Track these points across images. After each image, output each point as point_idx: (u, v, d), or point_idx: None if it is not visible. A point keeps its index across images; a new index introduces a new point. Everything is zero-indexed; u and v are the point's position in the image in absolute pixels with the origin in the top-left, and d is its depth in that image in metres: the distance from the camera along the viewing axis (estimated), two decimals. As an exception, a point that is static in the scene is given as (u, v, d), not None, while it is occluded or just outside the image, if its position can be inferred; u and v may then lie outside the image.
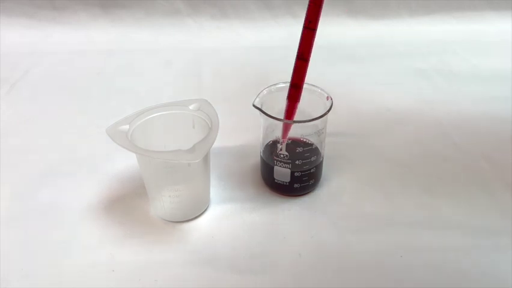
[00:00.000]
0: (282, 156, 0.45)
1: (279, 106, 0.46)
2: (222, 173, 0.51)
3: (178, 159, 0.39)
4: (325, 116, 0.44)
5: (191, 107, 0.45)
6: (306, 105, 0.48)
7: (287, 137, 0.46)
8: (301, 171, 0.46)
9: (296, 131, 0.46)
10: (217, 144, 0.41)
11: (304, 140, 0.47)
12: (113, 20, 0.85)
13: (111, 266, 0.41)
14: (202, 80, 0.72)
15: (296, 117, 0.45)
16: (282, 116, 0.45)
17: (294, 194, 0.48)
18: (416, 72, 0.75)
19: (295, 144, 0.46)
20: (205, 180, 0.46)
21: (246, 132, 0.56)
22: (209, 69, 0.75)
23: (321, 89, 0.47)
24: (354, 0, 0.86)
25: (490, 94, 0.67)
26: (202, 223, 0.45)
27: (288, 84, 0.48)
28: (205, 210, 0.47)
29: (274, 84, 0.47)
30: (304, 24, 0.42)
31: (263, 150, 0.49)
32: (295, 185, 0.47)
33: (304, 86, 0.47)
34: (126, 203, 0.48)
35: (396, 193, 0.49)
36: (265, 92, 0.47)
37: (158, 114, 0.45)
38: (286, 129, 0.45)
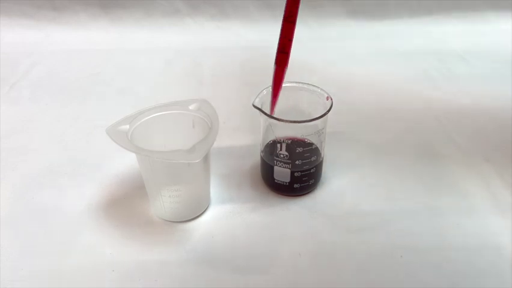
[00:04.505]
0: (282, 156, 0.46)
1: (279, 106, 0.46)
2: (222, 173, 0.51)
3: (178, 159, 0.39)
4: (325, 116, 0.44)
5: (191, 107, 0.45)
6: (306, 105, 0.48)
7: (276, 102, 0.44)
8: (301, 171, 0.46)
9: (296, 131, 0.46)
10: (217, 144, 0.41)
11: (305, 140, 0.47)
12: (113, 20, 0.85)
13: (111, 266, 0.41)
14: (202, 80, 0.72)
15: (296, 117, 0.45)
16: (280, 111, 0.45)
17: (294, 194, 0.48)
18: (416, 72, 0.75)
19: (295, 144, 0.46)
20: (205, 180, 0.46)
21: (246, 132, 0.56)
22: (209, 69, 0.75)
23: (321, 89, 0.47)
24: (354, 0, 0.86)
25: (490, 94, 0.67)
26: (202, 223, 0.45)
27: (287, 84, 0.48)
28: (205, 210, 0.47)
29: (274, 84, 0.48)
30: None
31: (263, 150, 0.49)
32: (295, 185, 0.47)
33: (304, 86, 0.48)
34: (126, 203, 0.48)
35: (397, 193, 0.49)
36: (265, 92, 0.47)
37: (158, 114, 0.45)
38: (277, 81, 0.44)
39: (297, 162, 0.46)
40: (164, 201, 0.44)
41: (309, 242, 0.44)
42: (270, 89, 0.47)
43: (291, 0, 0.41)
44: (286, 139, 0.45)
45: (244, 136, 0.57)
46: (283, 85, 0.47)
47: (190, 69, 0.75)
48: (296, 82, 0.48)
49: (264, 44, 0.85)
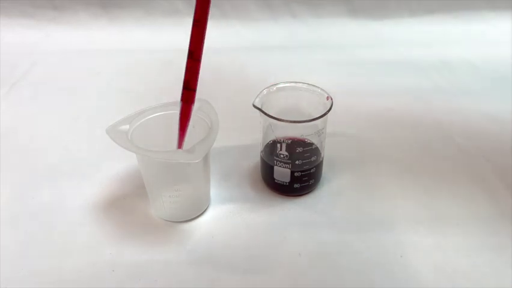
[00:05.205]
0: (282, 156, 0.46)
1: (279, 106, 0.46)
2: (222, 173, 0.51)
3: (178, 159, 0.39)
4: (325, 116, 0.44)
5: (191, 107, 0.45)
6: (306, 105, 0.48)
7: (185, 134, 0.42)
8: (301, 171, 0.46)
9: (296, 131, 0.46)
10: (217, 144, 0.41)
11: (305, 140, 0.47)
12: (113, 20, 0.85)
13: (111, 266, 0.41)
14: (202, 80, 0.72)
15: (296, 117, 0.45)
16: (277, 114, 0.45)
17: (294, 194, 0.48)
18: (416, 72, 0.75)
19: (295, 144, 0.46)
20: (205, 180, 0.46)
21: (246, 132, 0.56)
22: (209, 69, 0.75)
23: (321, 89, 0.47)
24: (354, 0, 0.86)
25: (490, 94, 0.67)
26: (202, 223, 0.45)
27: (287, 84, 0.48)
28: (205, 210, 0.47)
29: (274, 84, 0.48)
30: (194, 18, 0.39)
31: (263, 150, 0.49)
32: (295, 185, 0.47)
33: (304, 86, 0.48)
34: (126, 203, 0.48)
35: (396, 193, 0.49)
36: (265, 92, 0.47)
37: (158, 114, 0.45)
38: (184, 118, 0.41)
39: (297, 162, 0.46)
40: (164, 201, 0.44)
41: (309, 242, 0.44)
42: (270, 89, 0.47)
43: (195, 37, 0.38)
44: (286, 139, 0.45)
45: (244, 136, 0.57)
46: (283, 85, 0.47)
47: (190, 69, 0.75)
48: (296, 82, 0.48)
49: (264, 44, 0.85)
